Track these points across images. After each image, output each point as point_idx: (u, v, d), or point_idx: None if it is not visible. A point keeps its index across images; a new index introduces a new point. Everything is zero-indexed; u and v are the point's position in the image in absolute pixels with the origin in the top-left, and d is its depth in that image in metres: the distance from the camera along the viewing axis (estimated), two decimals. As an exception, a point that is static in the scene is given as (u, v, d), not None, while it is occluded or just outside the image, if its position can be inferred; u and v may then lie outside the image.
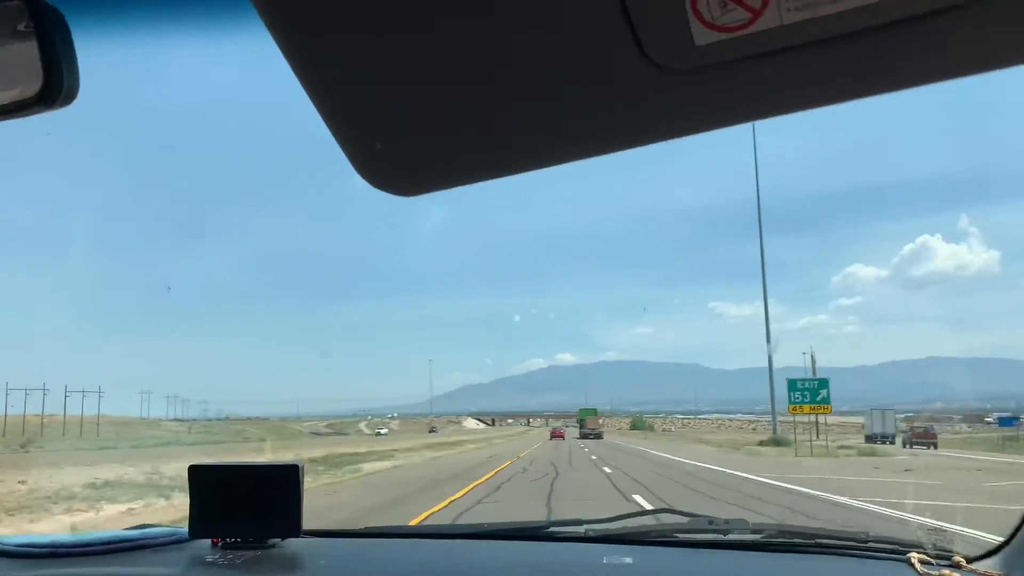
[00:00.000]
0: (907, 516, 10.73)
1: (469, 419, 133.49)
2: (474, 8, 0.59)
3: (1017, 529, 1.41)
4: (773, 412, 53.57)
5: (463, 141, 0.71)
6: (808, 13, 0.58)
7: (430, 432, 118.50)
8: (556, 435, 72.27)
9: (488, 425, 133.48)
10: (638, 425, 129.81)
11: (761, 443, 44.55)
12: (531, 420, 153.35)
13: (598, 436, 68.76)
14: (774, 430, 53.79)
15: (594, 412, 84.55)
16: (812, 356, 52.32)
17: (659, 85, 0.65)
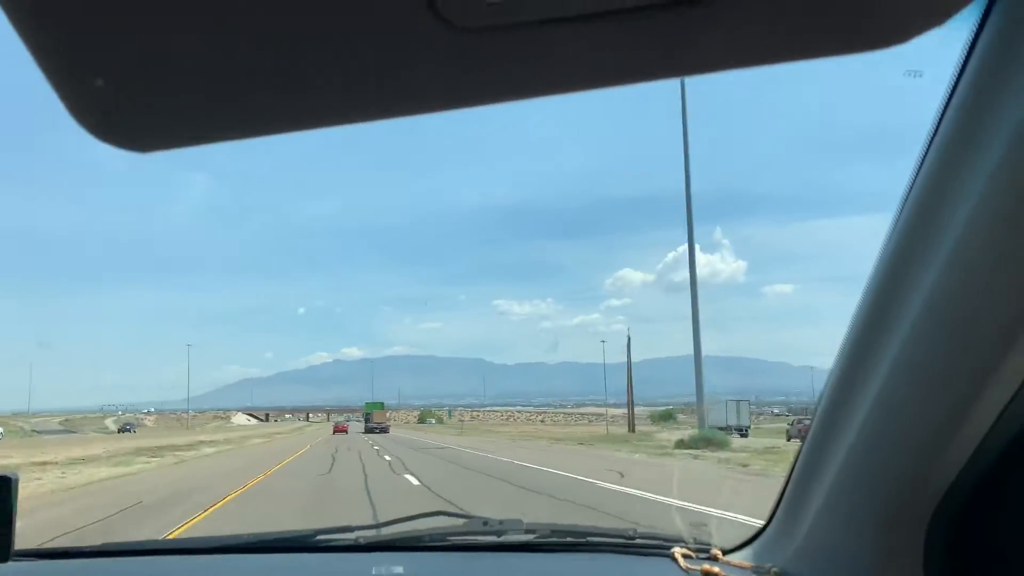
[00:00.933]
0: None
1: (239, 414, 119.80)
2: None
3: (769, 519, 1.45)
4: (629, 405, 51.41)
5: (212, 87, 0.62)
6: None
7: (120, 432, 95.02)
8: (339, 429, 69.25)
9: (261, 421, 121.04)
10: (427, 418, 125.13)
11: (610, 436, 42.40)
12: (311, 415, 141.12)
13: (384, 430, 66.20)
14: (630, 424, 50.36)
15: (380, 406, 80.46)
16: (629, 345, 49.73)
17: (447, 44, 0.59)
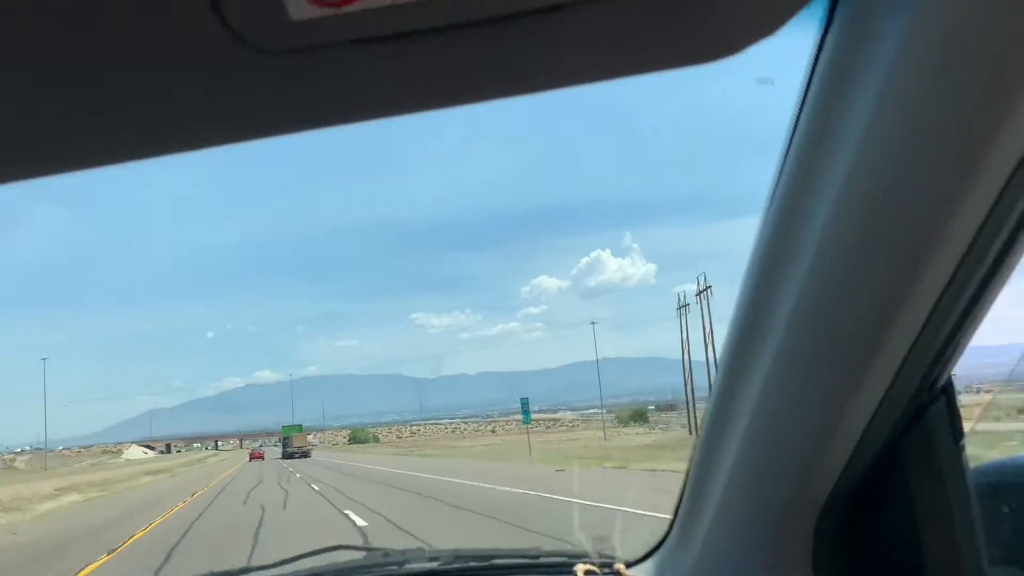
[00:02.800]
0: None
1: (133, 447, 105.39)
2: None
3: (668, 531, 1.45)
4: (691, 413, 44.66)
5: (36, 122, 0.60)
6: None
7: None
8: (255, 456, 64.57)
9: (161, 453, 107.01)
10: (360, 437, 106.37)
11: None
12: (219, 442, 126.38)
13: (305, 455, 58.94)
14: (691, 425, 43.53)
15: (299, 428, 72.80)
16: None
17: (248, 67, 0.56)
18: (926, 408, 1.01)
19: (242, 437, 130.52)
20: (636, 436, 49.23)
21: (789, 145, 0.93)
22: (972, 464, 1.04)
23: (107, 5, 0.50)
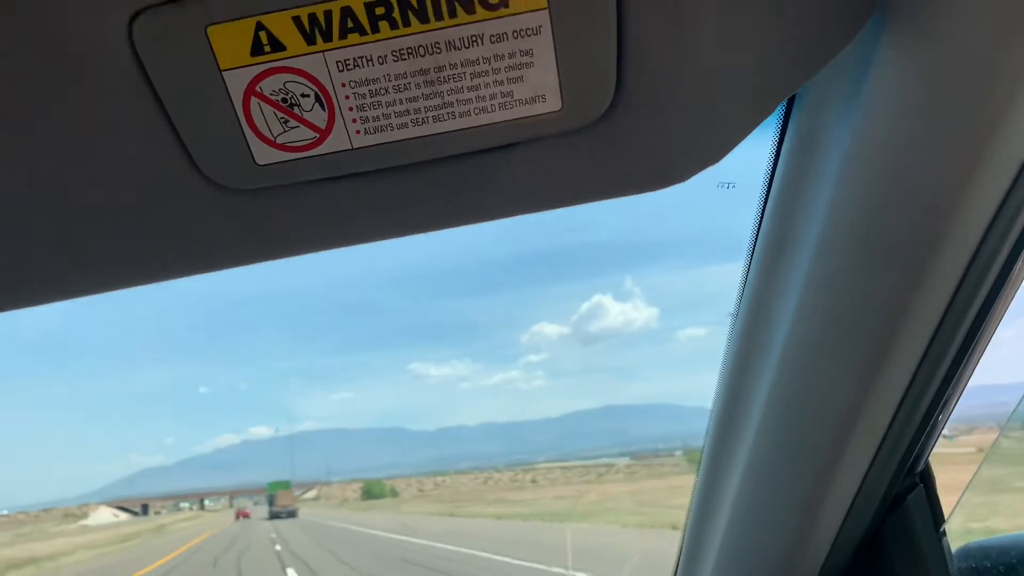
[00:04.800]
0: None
1: (102, 508, 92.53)
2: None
3: None
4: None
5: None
6: (380, 137, 0.56)
7: None
8: (242, 515, 60.71)
9: (135, 515, 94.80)
10: (376, 492, 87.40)
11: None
12: (206, 500, 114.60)
13: (292, 514, 51.59)
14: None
15: (286, 485, 65.70)
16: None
17: (221, 206, 0.61)
18: (904, 496, 1.02)
19: (232, 493, 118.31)
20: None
21: (754, 243, 0.95)
22: (956, 546, 1.04)
23: (89, 149, 0.55)
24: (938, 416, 0.93)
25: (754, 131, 0.66)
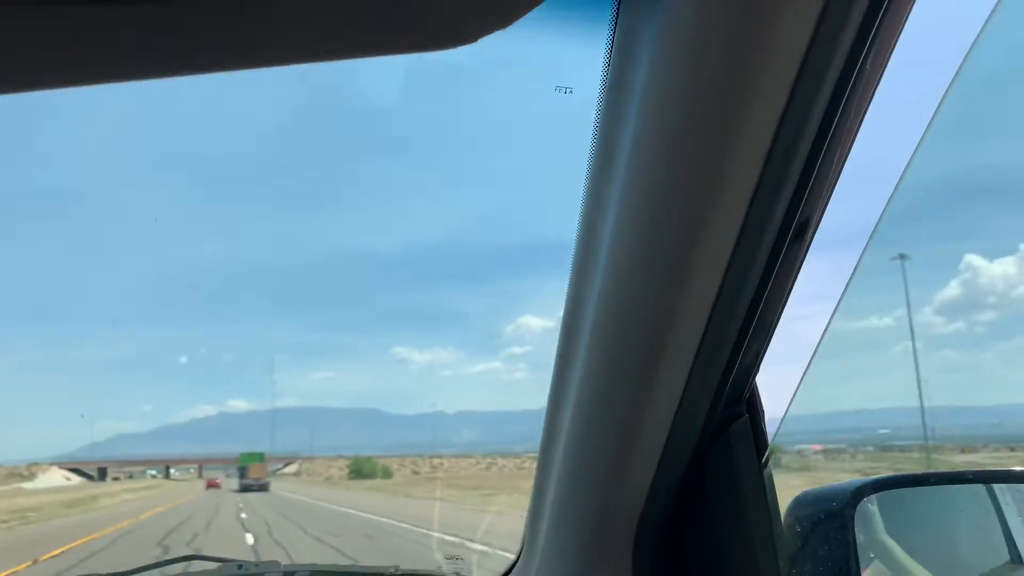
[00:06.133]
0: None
1: (53, 470, 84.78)
2: None
3: (521, 548, 1.49)
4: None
5: None
6: None
7: None
8: (212, 485, 57.58)
9: (89, 478, 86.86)
10: (366, 470, 75.55)
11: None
12: (172, 468, 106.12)
13: (263, 488, 48.59)
14: None
15: (260, 457, 60.90)
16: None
17: (89, 16, 0.57)
18: (728, 424, 1.03)
19: (202, 462, 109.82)
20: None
21: (591, 160, 0.95)
22: (797, 492, 1.09)
23: None
24: (758, 343, 0.93)
25: (591, 34, 0.67)
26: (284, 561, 1.69)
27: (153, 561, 1.96)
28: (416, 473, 77.50)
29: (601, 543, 1.14)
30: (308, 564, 1.72)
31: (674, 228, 0.81)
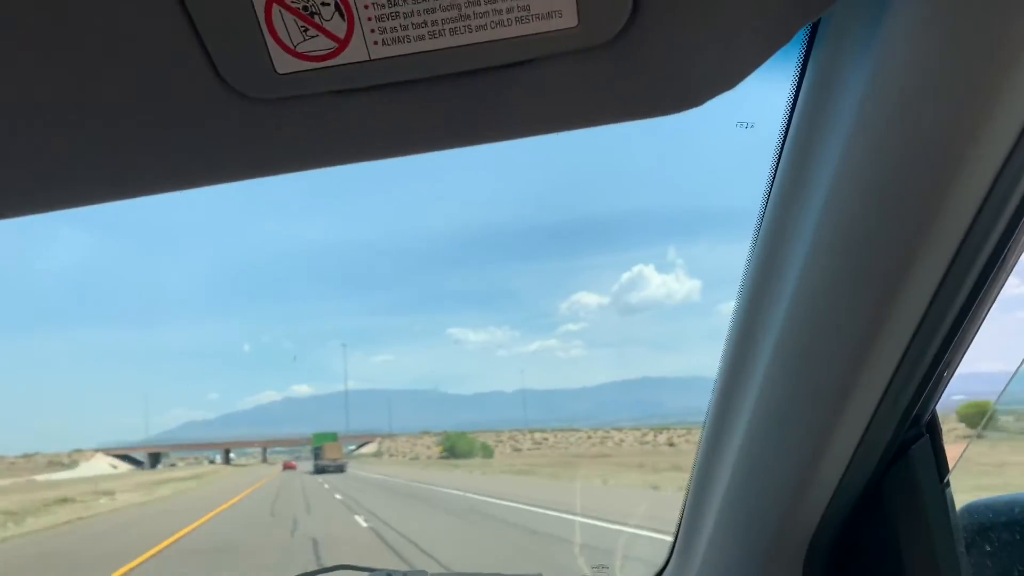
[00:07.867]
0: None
1: (98, 456, 77.39)
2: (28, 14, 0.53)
3: (669, 557, 1.47)
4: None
5: (37, 160, 0.66)
6: (397, 49, 0.56)
7: None
8: (288, 467, 59.18)
9: (137, 465, 79.44)
10: (461, 448, 64.12)
11: None
12: (231, 453, 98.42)
13: (340, 468, 47.54)
14: None
15: (333, 437, 56.88)
16: None
17: (243, 115, 0.61)
18: (909, 445, 1.02)
19: (266, 444, 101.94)
20: None
21: (772, 180, 0.94)
22: (963, 503, 1.04)
23: (118, 57, 0.55)
24: (946, 365, 0.92)
25: (776, 68, 0.66)
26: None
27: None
28: (517, 450, 69.15)
29: (770, 561, 1.12)
30: (455, 572, 1.54)
31: (891, 243, 0.78)
